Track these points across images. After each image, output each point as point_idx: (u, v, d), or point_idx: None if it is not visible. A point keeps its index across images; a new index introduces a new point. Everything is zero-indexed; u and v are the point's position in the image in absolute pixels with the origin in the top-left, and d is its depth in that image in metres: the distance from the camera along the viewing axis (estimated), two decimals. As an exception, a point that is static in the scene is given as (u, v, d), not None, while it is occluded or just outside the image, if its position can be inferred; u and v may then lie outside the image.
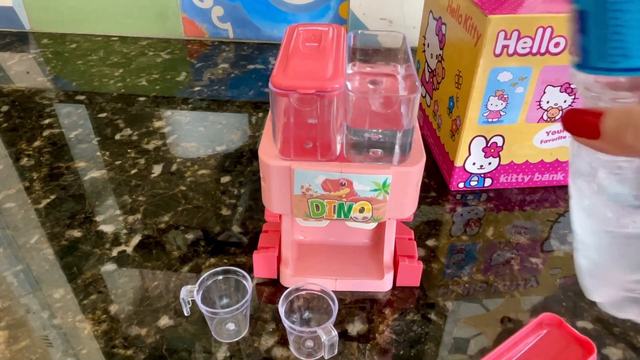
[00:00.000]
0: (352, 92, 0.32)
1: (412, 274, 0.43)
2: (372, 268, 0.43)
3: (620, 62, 0.26)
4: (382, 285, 0.43)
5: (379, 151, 0.34)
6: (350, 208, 0.37)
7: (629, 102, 0.27)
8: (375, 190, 0.36)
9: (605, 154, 0.27)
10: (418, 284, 0.43)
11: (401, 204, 0.38)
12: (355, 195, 0.36)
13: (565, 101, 0.48)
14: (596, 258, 0.39)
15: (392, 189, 0.36)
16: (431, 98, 0.59)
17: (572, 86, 0.47)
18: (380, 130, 0.34)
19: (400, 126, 0.33)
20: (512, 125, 0.49)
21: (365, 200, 0.37)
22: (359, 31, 0.39)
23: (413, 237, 0.45)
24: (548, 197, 0.54)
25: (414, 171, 0.36)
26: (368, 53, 0.39)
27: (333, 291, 0.38)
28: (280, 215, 0.41)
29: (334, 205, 0.37)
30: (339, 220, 0.38)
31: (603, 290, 0.41)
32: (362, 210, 0.37)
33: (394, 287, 0.43)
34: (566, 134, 0.50)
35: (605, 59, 0.26)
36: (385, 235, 0.42)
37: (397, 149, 0.34)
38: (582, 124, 0.27)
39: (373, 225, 0.43)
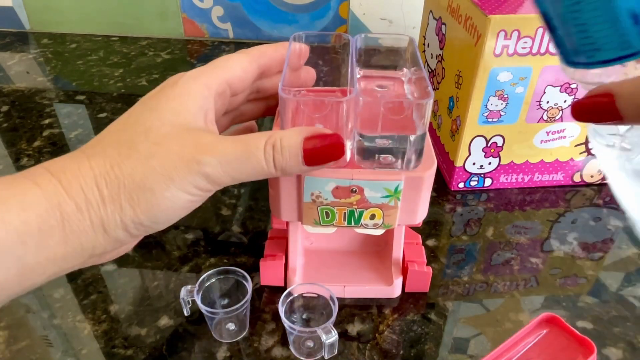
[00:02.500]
0: (363, 97, 0.32)
1: (422, 280, 0.42)
2: (381, 274, 0.43)
3: (595, 56, 0.26)
4: (392, 291, 0.42)
5: (390, 157, 0.34)
6: (360, 215, 0.36)
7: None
8: (387, 196, 0.35)
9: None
10: (427, 290, 0.43)
11: (412, 210, 0.37)
12: (366, 202, 0.36)
13: (565, 101, 0.48)
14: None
15: (403, 195, 0.35)
16: (431, 98, 0.59)
17: (571, 86, 0.47)
18: (391, 135, 0.33)
19: (411, 132, 0.32)
20: (512, 125, 0.49)
21: (377, 206, 0.36)
22: (366, 35, 0.38)
23: (421, 241, 0.45)
24: (548, 197, 0.54)
25: (426, 177, 0.35)
26: (375, 57, 0.38)
27: (342, 298, 0.38)
28: (287, 222, 0.41)
29: (344, 213, 0.36)
30: (349, 227, 0.38)
31: None
32: (372, 217, 0.37)
33: (403, 292, 0.43)
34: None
35: (580, 55, 0.26)
36: (393, 240, 0.42)
37: (408, 154, 0.34)
38: (596, 108, 0.26)
39: (382, 231, 0.43)
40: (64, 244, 0.26)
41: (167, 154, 0.28)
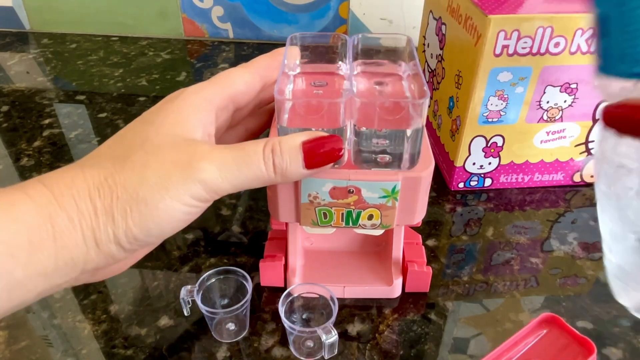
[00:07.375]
0: (359, 98, 0.32)
1: (422, 280, 0.42)
2: (380, 274, 0.43)
3: (637, 68, 0.26)
4: (392, 291, 0.42)
5: (387, 157, 0.34)
6: (358, 215, 0.36)
7: None
8: (384, 197, 0.35)
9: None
10: (427, 290, 0.43)
11: (411, 210, 0.37)
12: (364, 203, 0.35)
13: (565, 101, 0.48)
14: (621, 261, 0.39)
15: (401, 195, 0.35)
16: (431, 98, 0.59)
17: (571, 86, 0.47)
18: (388, 135, 0.33)
19: (409, 131, 0.32)
20: (512, 125, 0.49)
21: (374, 207, 0.36)
22: (363, 35, 0.38)
23: (421, 241, 0.45)
24: (548, 197, 0.54)
25: (424, 177, 0.35)
26: (372, 56, 0.38)
27: (341, 298, 0.38)
28: (286, 223, 0.41)
29: (342, 213, 0.36)
30: (347, 228, 0.38)
31: (630, 294, 0.40)
32: (370, 217, 0.36)
33: (403, 292, 0.43)
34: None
35: (624, 63, 0.26)
36: (393, 240, 0.42)
37: (405, 154, 0.33)
38: (630, 119, 0.26)
39: (381, 231, 0.43)
40: (55, 257, 0.25)
41: (162, 162, 0.27)
